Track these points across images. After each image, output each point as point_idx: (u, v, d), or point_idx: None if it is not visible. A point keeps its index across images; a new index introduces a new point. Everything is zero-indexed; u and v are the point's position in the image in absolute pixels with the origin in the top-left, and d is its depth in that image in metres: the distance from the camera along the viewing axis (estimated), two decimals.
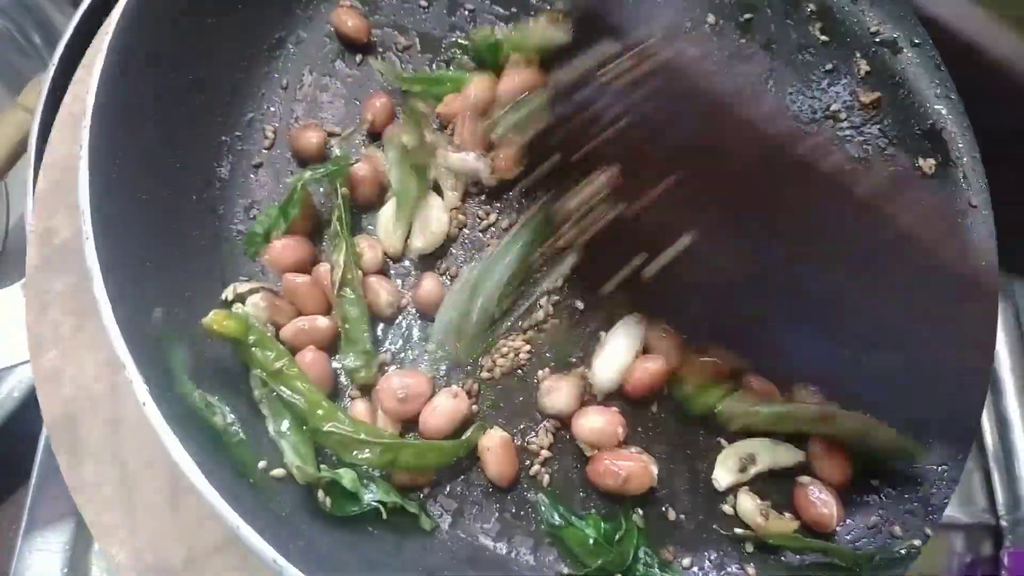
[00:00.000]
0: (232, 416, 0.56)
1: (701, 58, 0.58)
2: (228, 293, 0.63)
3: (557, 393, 0.61)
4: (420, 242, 0.66)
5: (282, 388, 0.57)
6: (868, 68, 0.76)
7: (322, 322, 0.63)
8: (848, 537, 0.61)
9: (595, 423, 0.60)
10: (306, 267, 0.65)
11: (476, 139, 0.68)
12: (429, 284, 0.64)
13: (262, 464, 0.55)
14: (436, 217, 0.67)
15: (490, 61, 0.71)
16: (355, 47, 0.76)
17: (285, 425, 0.57)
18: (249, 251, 0.67)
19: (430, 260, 0.68)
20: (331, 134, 0.71)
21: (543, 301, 0.66)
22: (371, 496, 0.56)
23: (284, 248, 0.65)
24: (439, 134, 0.70)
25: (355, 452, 0.56)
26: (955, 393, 0.58)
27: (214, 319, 0.57)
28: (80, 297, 0.68)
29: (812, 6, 0.78)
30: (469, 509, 0.60)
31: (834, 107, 0.75)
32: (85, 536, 0.80)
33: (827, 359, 0.59)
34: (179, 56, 0.67)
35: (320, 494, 0.55)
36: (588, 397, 0.63)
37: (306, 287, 0.64)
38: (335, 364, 0.63)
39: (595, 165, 0.59)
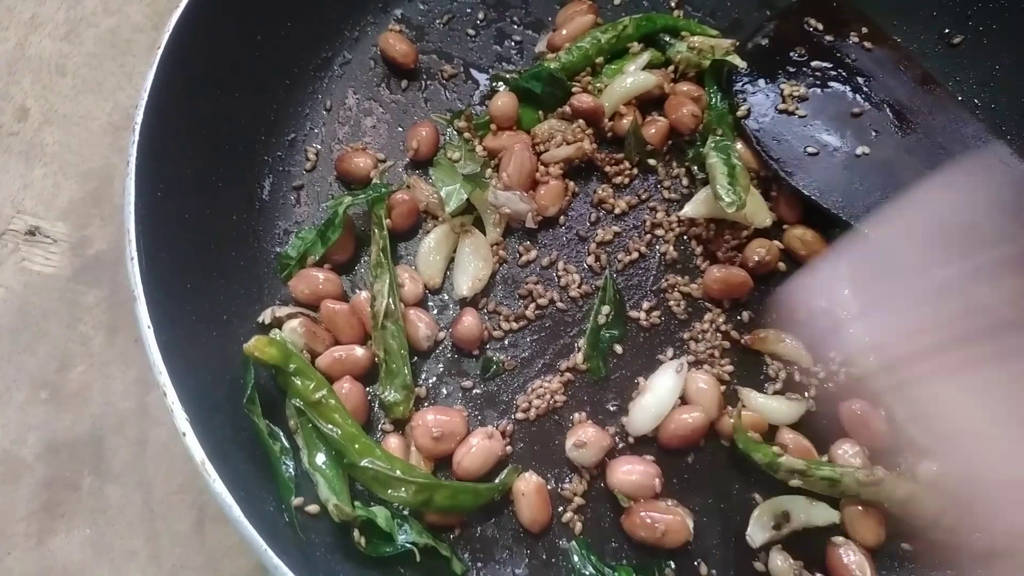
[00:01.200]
0: (287, 445, 0.55)
1: None
2: (266, 317, 0.62)
3: (585, 450, 0.60)
4: (465, 290, 0.65)
5: (319, 420, 0.56)
6: None
7: (359, 352, 0.62)
8: None
9: (631, 474, 0.59)
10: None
11: (523, 177, 0.67)
12: (469, 320, 0.63)
13: (298, 501, 0.54)
14: (481, 257, 0.66)
15: (547, 94, 0.71)
16: (400, 72, 0.75)
17: (321, 459, 0.56)
18: (281, 275, 0.66)
19: None
20: (379, 160, 0.71)
21: (580, 343, 0.66)
22: (404, 537, 0.55)
23: (304, 279, 0.64)
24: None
25: (390, 490, 0.56)
26: None
27: (255, 345, 0.56)
28: (112, 311, 0.67)
29: None
30: (499, 553, 0.59)
31: None
32: None
33: None
34: (227, 73, 0.66)
35: (356, 533, 0.54)
36: (623, 445, 0.62)
37: (344, 315, 0.63)
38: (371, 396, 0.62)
39: None
